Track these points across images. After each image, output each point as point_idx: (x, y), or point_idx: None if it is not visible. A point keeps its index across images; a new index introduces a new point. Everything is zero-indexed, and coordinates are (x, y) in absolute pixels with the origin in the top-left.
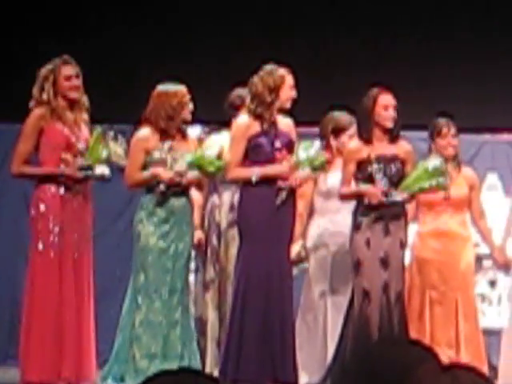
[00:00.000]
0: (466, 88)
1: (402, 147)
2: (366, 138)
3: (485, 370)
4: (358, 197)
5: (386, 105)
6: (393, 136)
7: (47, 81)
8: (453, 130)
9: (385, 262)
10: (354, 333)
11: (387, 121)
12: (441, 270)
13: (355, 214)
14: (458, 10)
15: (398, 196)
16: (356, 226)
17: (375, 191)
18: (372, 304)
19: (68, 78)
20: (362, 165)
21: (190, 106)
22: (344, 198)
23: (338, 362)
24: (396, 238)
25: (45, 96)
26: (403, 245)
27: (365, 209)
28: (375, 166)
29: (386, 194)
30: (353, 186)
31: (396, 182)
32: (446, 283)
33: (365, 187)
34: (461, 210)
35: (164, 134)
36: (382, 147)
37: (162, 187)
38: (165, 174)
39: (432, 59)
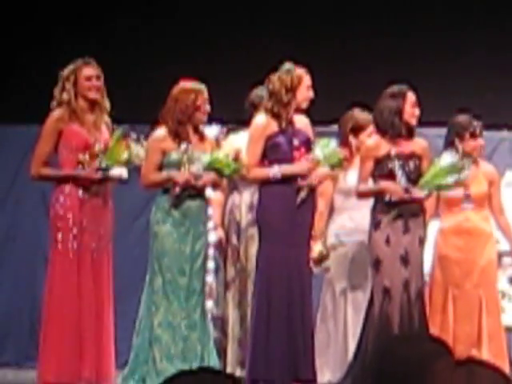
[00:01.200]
0: (484, 84)
1: (419, 144)
2: (395, 134)
3: (506, 366)
4: (377, 194)
5: (413, 102)
6: (412, 133)
7: (68, 81)
8: (480, 130)
9: (405, 260)
10: (374, 331)
11: (414, 118)
12: (463, 267)
13: (374, 211)
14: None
15: (420, 192)
16: (375, 224)
17: (396, 188)
18: (393, 302)
19: (88, 79)
20: (380, 162)
21: (206, 106)
22: (362, 195)
23: (359, 360)
24: (415, 235)
25: (65, 96)
26: (422, 242)
27: (384, 206)
28: (396, 162)
29: (407, 191)
30: (371, 184)
31: (414, 178)
32: (469, 280)
33: (386, 184)
34: (482, 207)
35: (178, 136)
36: (400, 144)
37: (177, 190)
38: (180, 176)
39: (450, 56)
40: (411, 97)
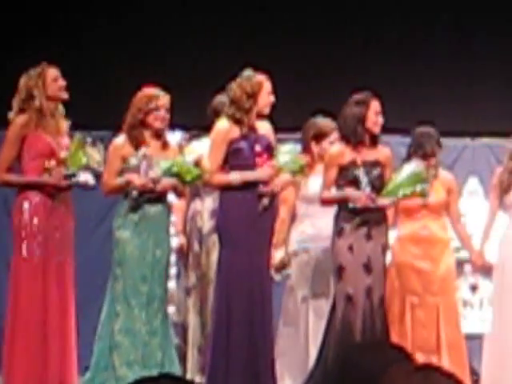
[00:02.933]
0: (447, 92)
1: (382, 152)
2: (356, 142)
3: (467, 374)
4: (341, 201)
5: (377, 111)
6: (375, 141)
7: (36, 86)
8: (437, 148)
9: (368, 267)
10: (336, 338)
11: (377, 126)
12: (420, 275)
13: (337, 219)
14: (441, 10)
15: (384, 200)
16: (338, 232)
17: (361, 195)
18: (355, 309)
19: (55, 79)
20: (345, 169)
21: (161, 112)
22: (325, 202)
23: (320, 366)
24: (378, 242)
25: (37, 102)
26: (385, 249)
27: (347, 214)
28: (362, 169)
29: (371, 198)
30: (334, 191)
31: (377, 186)
32: (426, 288)
33: (350, 191)
34: (439, 215)
35: (135, 141)
36: (364, 152)
37: (134, 193)
38: (138, 180)
39: (413, 63)
40: (375, 104)
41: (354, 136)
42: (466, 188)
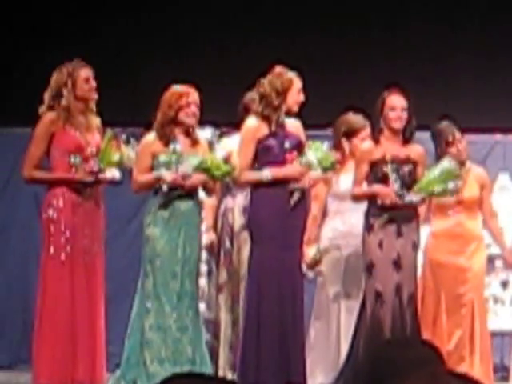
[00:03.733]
0: (478, 88)
1: (415, 149)
2: (375, 139)
3: (491, 371)
4: (371, 197)
5: (393, 106)
6: (404, 137)
7: (65, 85)
8: (458, 135)
9: (397, 264)
10: (366, 335)
11: (394, 122)
12: (455, 272)
13: (367, 215)
14: (469, 9)
15: (412, 197)
16: (368, 228)
17: (388, 191)
18: (385, 306)
19: (87, 80)
20: (375, 166)
21: (192, 108)
22: (356, 198)
23: (350, 363)
24: (408, 239)
25: (65, 101)
26: (416, 246)
27: (377, 210)
28: (390, 166)
29: (399, 195)
30: (365, 187)
31: (408, 183)
32: (461, 284)
33: (378, 187)
34: (473, 211)
35: (165, 138)
36: (394, 149)
37: (164, 188)
38: (167, 175)
39: (442, 60)
40: (390, 99)
41: (374, 132)
42: (497, 184)
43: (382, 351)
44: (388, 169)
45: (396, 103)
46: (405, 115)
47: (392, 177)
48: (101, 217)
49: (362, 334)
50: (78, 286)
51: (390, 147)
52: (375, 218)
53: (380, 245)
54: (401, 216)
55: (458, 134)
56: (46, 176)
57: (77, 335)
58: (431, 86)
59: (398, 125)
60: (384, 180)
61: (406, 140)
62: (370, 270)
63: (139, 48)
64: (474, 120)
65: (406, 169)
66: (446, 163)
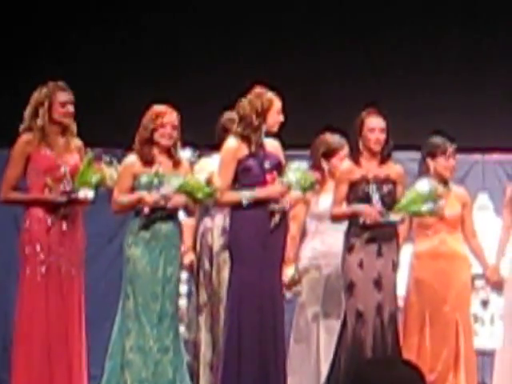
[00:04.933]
0: (457, 108)
1: (394, 169)
2: (353, 159)
3: None
4: (352, 217)
5: (372, 127)
6: (382, 157)
7: (42, 106)
8: (451, 150)
9: (378, 284)
10: (347, 355)
11: (373, 144)
12: (440, 291)
13: (347, 235)
14: (453, 23)
15: (395, 216)
16: (349, 248)
17: (371, 211)
18: (366, 326)
19: (63, 105)
20: (355, 186)
21: (167, 129)
22: (336, 218)
23: (332, 383)
24: (389, 259)
25: (39, 122)
26: (395, 266)
27: (358, 229)
28: (372, 186)
29: (381, 214)
30: (345, 207)
31: (388, 203)
32: (446, 303)
33: (361, 206)
34: (456, 229)
35: (145, 159)
36: (373, 169)
37: (146, 210)
38: (149, 197)
39: (423, 79)
40: (369, 121)
41: (353, 153)
42: (477, 203)
43: (364, 372)
44: (370, 188)
45: (375, 125)
46: (383, 136)
47: (375, 197)
48: (78, 237)
49: (342, 353)
50: (54, 306)
51: (370, 167)
52: (356, 237)
53: (360, 264)
54: (381, 235)
55: (450, 150)
56: (21, 197)
57: (53, 356)
58: (410, 106)
59: (377, 146)
60: (365, 199)
61: (384, 160)
62: (351, 289)
63: (120, 68)
64: (455, 139)
65: (386, 189)
66: (426, 183)
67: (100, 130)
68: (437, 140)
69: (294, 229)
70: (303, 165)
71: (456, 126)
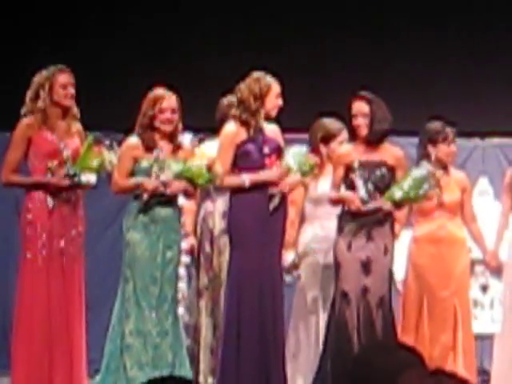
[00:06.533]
0: (456, 92)
1: (391, 153)
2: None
3: (475, 375)
4: (341, 202)
5: (353, 113)
6: (369, 142)
7: (43, 88)
8: (451, 136)
9: (366, 267)
10: (333, 336)
11: (357, 129)
12: (438, 276)
13: (340, 218)
14: (453, 10)
15: (377, 203)
16: (339, 230)
17: (353, 198)
18: (350, 306)
19: (64, 86)
20: (347, 170)
21: (166, 114)
22: (331, 202)
23: (323, 365)
24: (380, 243)
25: (40, 104)
26: (388, 250)
27: (349, 213)
28: (357, 172)
29: (364, 202)
30: (342, 190)
31: (381, 187)
32: (444, 288)
33: (344, 194)
34: (455, 214)
35: (146, 144)
36: (368, 153)
37: (145, 196)
38: (148, 183)
39: (422, 64)
40: (353, 106)
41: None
42: (477, 188)
43: (366, 356)
44: (355, 175)
45: (356, 110)
46: (365, 121)
47: (359, 183)
48: (79, 221)
49: (330, 334)
50: (55, 290)
51: (364, 151)
52: (347, 220)
53: (349, 246)
54: (371, 220)
55: (451, 135)
56: (23, 180)
57: (54, 340)
58: (410, 90)
59: (359, 131)
60: (352, 186)
61: (373, 144)
62: (338, 270)
63: (120, 53)
64: (455, 124)
65: (379, 173)
66: (419, 170)
67: (100, 115)
68: (437, 126)
69: (292, 213)
70: (303, 148)
71: (456, 110)
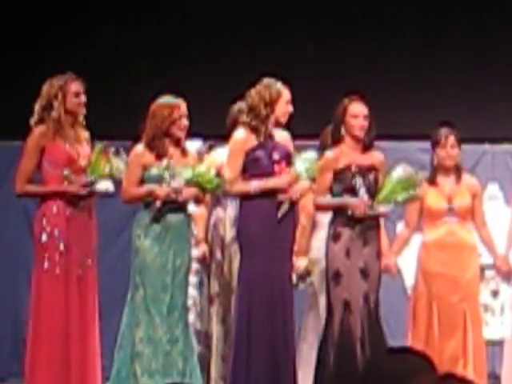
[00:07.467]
0: (465, 98)
1: (376, 157)
2: (332, 145)
3: (485, 379)
4: (339, 208)
5: (355, 114)
6: (365, 145)
7: (56, 98)
8: (452, 140)
9: (364, 273)
10: (335, 344)
11: (357, 130)
12: (448, 281)
13: (333, 224)
14: (457, 15)
15: (381, 208)
16: (334, 237)
17: (359, 203)
18: (353, 315)
19: (77, 95)
20: (339, 174)
21: (183, 121)
22: (321, 208)
23: (320, 373)
24: (373, 248)
25: (55, 114)
26: (380, 255)
27: (344, 219)
28: (358, 177)
29: (370, 207)
30: (329, 197)
31: (372, 191)
32: (454, 294)
33: (350, 199)
34: (465, 220)
35: (154, 150)
36: (357, 157)
37: (157, 204)
38: (160, 190)
39: (431, 70)
40: (352, 107)
41: (333, 139)
42: (487, 193)
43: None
44: (356, 181)
45: (358, 111)
46: (366, 123)
47: (361, 190)
48: (94, 230)
49: (330, 342)
50: (71, 299)
51: (353, 155)
52: (343, 226)
53: (347, 253)
54: (367, 224)
55: (452, 140)
56: (39, 189)
57: (70, 349)
58: (420, 96)
59: (361, 133)
60: (352, 191)
61: (367, 148)
62: (337, 279)
63: (127, 60)
64: (463, 130)
65: (372, 177)
66: (401, 170)
67: (106, 122)
68: (437, 131)
69: (303, 219)
70: (312, 154)
71: (466, 116)
